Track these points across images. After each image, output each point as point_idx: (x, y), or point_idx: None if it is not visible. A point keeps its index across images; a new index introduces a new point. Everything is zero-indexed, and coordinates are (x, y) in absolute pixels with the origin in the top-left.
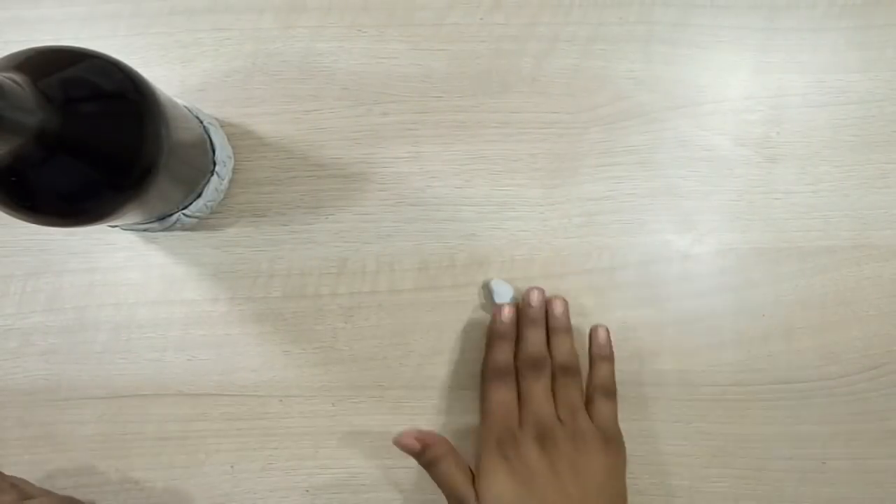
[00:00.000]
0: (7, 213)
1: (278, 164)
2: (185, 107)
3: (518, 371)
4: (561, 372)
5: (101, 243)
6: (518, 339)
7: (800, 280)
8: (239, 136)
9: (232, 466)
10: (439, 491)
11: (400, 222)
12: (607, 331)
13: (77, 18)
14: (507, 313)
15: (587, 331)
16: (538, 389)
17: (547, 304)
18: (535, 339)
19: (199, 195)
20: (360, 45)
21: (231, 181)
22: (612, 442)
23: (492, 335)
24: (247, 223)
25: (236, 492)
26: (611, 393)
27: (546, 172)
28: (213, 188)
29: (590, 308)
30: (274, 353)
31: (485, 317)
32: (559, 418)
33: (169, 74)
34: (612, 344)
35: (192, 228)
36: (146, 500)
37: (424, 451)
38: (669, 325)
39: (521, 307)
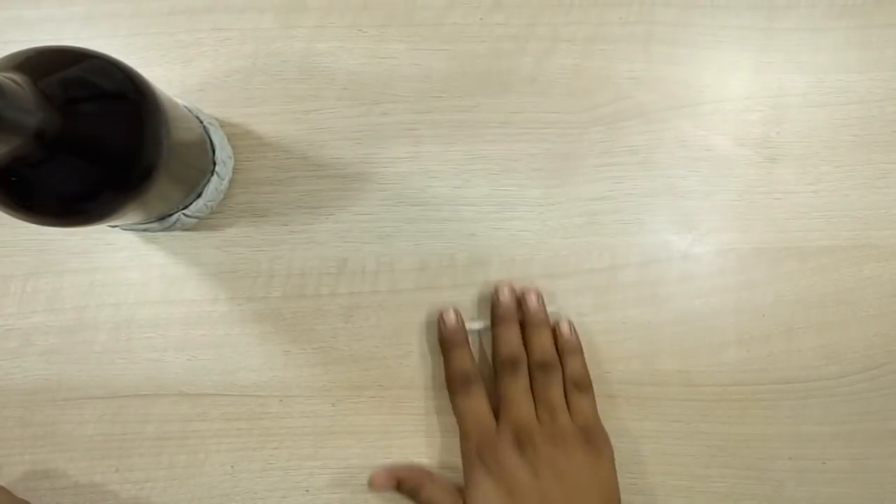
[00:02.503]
0: (7, 213)
1: (278, 164)
2: (185, 107)
3: (495, 371)
4: (540, 369)
5: (101, 243)
6: (494, 338)
7: (800, 280)
8: (239, 136)
9: (232, 466)
10: None
11: (400, 222)
12: (570, 323)
13: (77, 18)
14: (450, 318)
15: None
16: (517, 390)
17: (520, 298)
18: (508, 337)
19: (199, 195)
20: (360, 45)
21: (231, 181)
22: (594, 438)
23: (442, 345)
24: (247, 223)
25: (236, 492)
26: (585, 386)
27: (546, 172)
28: (213, 188)
29: (589, 308)
30: (274, 353)
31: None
32: (539, 419)
33: (169, 74)
34: (578, 334)
35: (192, 228)
36: (146, 500)
37: (401, 486)
38: (669, 325)
39: (493, 304)
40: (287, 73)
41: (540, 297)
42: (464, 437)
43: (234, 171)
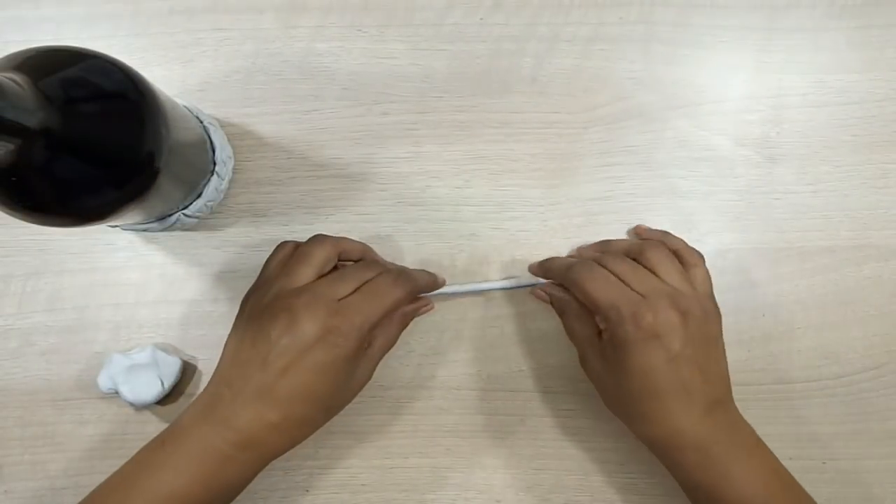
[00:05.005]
0: (7, 213)
1: (278, 164)
2: (185, 107)
3: (608, 265)
4: (652, 248)
5: (101, 243)
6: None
7: (800, 280)
8: (239, 136)
9: None
10: (439, 491)
11: (400, 222)
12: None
13: (77, 18)
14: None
15: None
16: (641, 267)
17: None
18: (617, 244)
19: (199, 195)
20: (360, 45)
21: (231, 181)
22: (716, 307)
23: (565, 260)
24: (247, 223)
25: None
26: (700, 257)
27: (546, 172)
28: (213, 188)
29: None
30: None
31: (481, 317)
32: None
33: (169, 74)
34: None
35: (192, 228)
36: None
37: (553, 304)
38: None
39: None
40: (287, 73)
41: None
42: (610, 305)
43: (234, 171)
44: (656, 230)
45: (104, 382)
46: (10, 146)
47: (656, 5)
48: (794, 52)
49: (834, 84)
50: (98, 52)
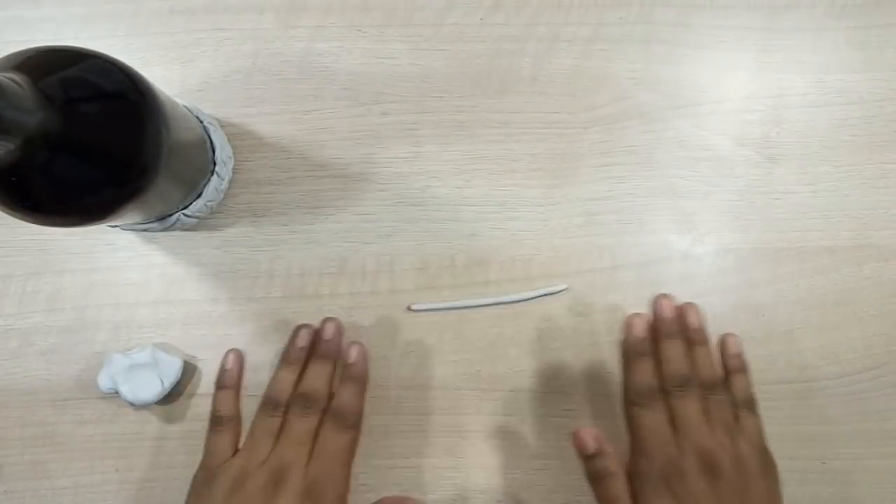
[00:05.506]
0: (7, 213)
1: (278, 164)
2: (185, 107)
3: (665, 391)
4: (708, 389)
5: (101, 243)
6: (657, 355)
7: (800, 280)
8: (239, 136)
9: None
10: (439, 491)
11: (400, 222)
12: (738, 339)
13: (77, 18)
14: (640, 328)
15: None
16: (692, 411)
17: (679, 312)
18: (677, 355)
19: (199, 195)
20: (360, 45)
21: (231, 181)
22: (768, 461)
23: (629, 353)
24: (247, 223)
25: None
26: (754, 406)
27: (546, 172)
28: (213, 188)
29: (590, 308)
30: (274, 353)
31: (481, 317)
32: (718, 442)
33: (169, 74)
34: (744, 352)
35: (192, 228)
36: (146, 499)
37: (596, 457)
38: None
39: (654, 318)
40: (287, 73)
41: (699, 312)
42: (643, 454)
43: (234, 171)
44: (739, 356)
45: (104, 382)
46: (10, 146)
47: (656, 5)
48: (794, 52)
49: (834, 84)
50: (98, 52)
